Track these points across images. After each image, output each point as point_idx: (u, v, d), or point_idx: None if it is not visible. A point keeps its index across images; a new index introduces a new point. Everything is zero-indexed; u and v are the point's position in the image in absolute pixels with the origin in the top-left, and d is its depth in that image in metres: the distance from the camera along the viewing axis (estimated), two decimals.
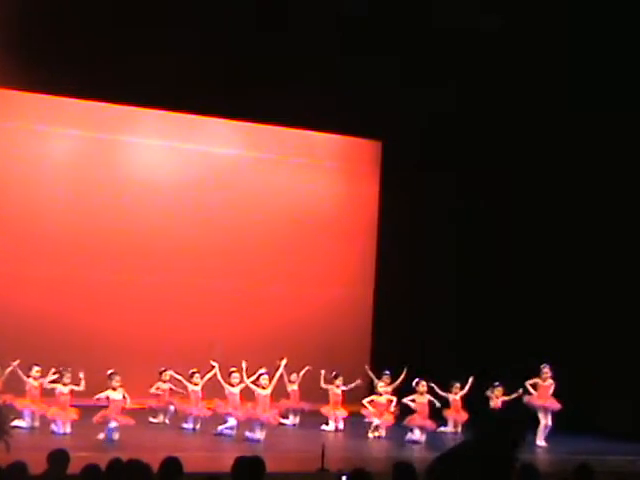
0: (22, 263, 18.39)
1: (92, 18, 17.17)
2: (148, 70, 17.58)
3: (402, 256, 20.58)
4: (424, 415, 16.51)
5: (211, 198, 20.24)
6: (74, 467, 7.28)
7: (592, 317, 18.47)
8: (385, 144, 21.68)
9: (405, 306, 20.22)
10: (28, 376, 15.25)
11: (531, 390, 16.86)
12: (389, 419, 16.97)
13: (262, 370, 15.68)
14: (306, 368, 17.61)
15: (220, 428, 15.78)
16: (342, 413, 17.57)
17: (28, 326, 17.44)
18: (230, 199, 20.42)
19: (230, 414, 15.77)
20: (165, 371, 16.78)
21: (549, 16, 18.19)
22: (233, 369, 15.88)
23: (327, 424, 17.41)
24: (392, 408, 17.05)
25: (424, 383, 16.64)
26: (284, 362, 16.46)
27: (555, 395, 16.78)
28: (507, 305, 19.60)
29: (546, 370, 16.77)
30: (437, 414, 17.10)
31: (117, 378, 14.73)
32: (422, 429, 16.42)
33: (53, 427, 14.89)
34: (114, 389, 14.68)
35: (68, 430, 14.76)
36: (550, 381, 16.80)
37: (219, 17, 18.03)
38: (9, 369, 15.15)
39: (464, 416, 17.61)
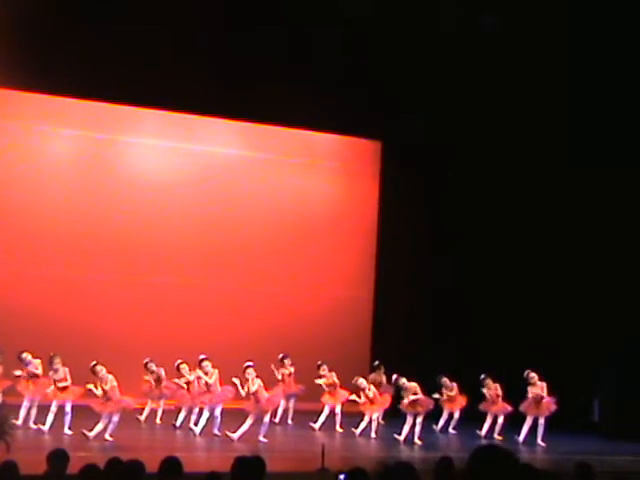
0: (23, 262, 18.41)
1: (93, 18, 17.19)
2: (149, 70, 17.60)
3: (402, 256, 20.57)
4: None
5: (210, 198, 20.24)
6: (74, 467, 7.29)
7: (592, 316, 18.51)
8: (385, 144, 21.68)
9: (405, 306, 20.22)
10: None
11: (530, 394, 16.80)
12: (385, 401, 16.91)
13: (249, 363, 15.32)
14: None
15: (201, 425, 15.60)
16: (343, 394, 17.26)
17: (29, 325, 17.44)
18: (229, 199, 20.43)
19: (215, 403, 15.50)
20: (150, 362, 16.43)
21: (549, 19, 18.22)
22: (203, 356, 15.78)
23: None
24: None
25: (404, 380, 16.32)
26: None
27: (552, 393, 16.76)
28: (507, 305, 19.65)
29: (532, 375, 16.70)
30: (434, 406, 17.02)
31: (98, 369, 14.36)
32: (416, 414, 16.21)
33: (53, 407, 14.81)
34: (95, 385, 14.33)
35: (69, 409, 14.64)
36: (540, 384, 16.72)
37: (220, 18, 18.02)
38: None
39: (462, 402, 17.46)
